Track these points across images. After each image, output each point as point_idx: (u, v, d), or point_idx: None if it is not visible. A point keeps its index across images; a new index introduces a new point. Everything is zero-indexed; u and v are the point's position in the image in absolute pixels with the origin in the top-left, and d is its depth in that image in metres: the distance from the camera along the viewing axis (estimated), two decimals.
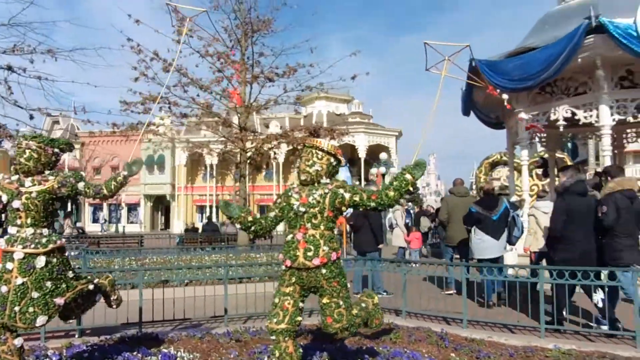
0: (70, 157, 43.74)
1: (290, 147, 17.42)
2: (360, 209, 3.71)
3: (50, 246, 3.63)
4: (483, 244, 7.80)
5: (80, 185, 3.82)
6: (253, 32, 14.78)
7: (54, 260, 3.66)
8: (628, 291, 5.55)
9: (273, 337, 3.49)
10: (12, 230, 3.66)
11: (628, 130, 12.11)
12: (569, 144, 50.62)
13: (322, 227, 3.49)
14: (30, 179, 3.73)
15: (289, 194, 3.63)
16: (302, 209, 3.48)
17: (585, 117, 9.47)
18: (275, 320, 3.47)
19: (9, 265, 3.55)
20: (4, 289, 3.50)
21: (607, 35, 8.43)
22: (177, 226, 41.43)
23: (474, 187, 28.13)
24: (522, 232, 8.18)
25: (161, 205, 46.63)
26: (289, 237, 3.55)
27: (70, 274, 3.77)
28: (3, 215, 3.99)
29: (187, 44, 14.08)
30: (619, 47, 8.35)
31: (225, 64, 14.50)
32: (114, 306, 4.23)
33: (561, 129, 10.15)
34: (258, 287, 7.53)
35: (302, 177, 3.61)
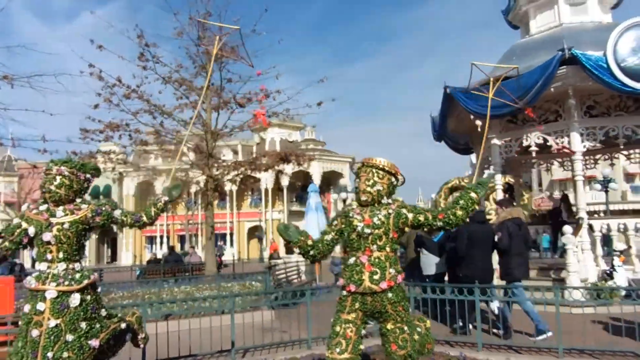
0: (5, 189, 41.32)
1: (243, 175, 17.06)
2: (425, 229, 3.61)
3: (85, 282, 3.30)
4: (428, 261, 8.51)
5: (117, 213, 3.52)
6: (217, 59, 14.59)
7: (88, 297, 3.33)
8: (522, 304, 6.66)
9: None
10: (42, 266, 3.30)
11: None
12: None
13: (387, 249, 3.38)
14: (61, 208, 3.39)
15: (350, 215, 3.49)
16: (368, 231, 3.35)
17: (557, 144, 9.87)
18: (337, 350, 3.29)
19: (41, 306, 3.18)
20: (35, 333, 3.13)
21: (579, 67, 8.87)
22: (125, 258, 39.70)
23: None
24: None
25: (107, 237, 44.63)
26: (351, 260, 3.40)
27: (103, 312, 3.44)
28: (28, 251, 3.60)
29: (152, 70, 13.75)
30: (591, 77, 8.80)
31: (188, 90, 14.24)
32: (141, 345, 3.87)
33: (533, 154, 10.52)
34: (246, 317, 7.23)
35: (363, 198, 3.48)
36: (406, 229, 3.50)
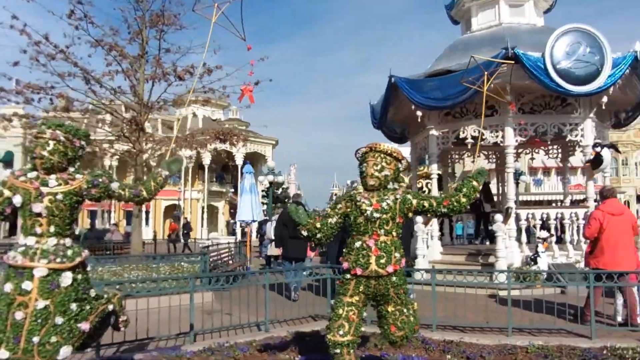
0: None
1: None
2: (428, 215, 3.68)
3: (77, 260, 3.03)
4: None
5: (114, 185, 3.24)
6: (152, 25, 13.87)
7: (79, 277, 3.06)
8: None
9: (337, 351, 3.32)
10: (29, 240, 2.96)
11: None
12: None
13: (393, 234, 3.42)
14: (54, 177, 3.05)
15: (357, 199, 3.48)
16: (377, 215, 3.37)
17: (492, 137, 10.45)
18: (340, 332, 3.31)
19: (27, 285, 2.87)
20: (19, 315, 2.82)
21: (519, 66, 9.41)
22: None
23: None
24: None
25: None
26: (357, 244, 3.41)
27: (92, 293, 3.19)
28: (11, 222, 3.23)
29: (85, 30, 12.83)
30: (529, 76, 9.40)
31: (119, 56, 13.43)
32: (122, 328, 3.61)
33: (469, 146, 11.09)
34: (183, 299, 6.99)
35: (371, 182, 3.49)
36: (409, 214, 3.57)
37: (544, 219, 10.36)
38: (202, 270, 9.56)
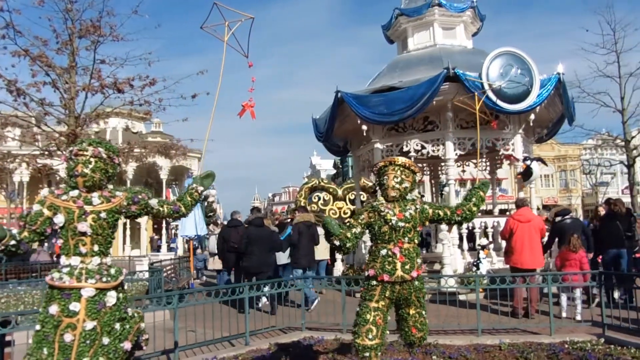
0: None
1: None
2: (443, 223, 3.97)
3: (120, 278, 3.00)
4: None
5: (153, 202, 3.23)
6: (82, 34, 13.35)
7: (121, 295, 3.04)
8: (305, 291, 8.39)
9: (366, 354, 3.50)
10: (73, 260, 2.91)
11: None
12: (350, 172, 56.16)
13: (415, 241, 3.67)
14: (96, 195, 3.01)
15: (381, 209, 3.69)
16: (401, 224, 3.60)
17: (434, 151, 11.10)
18: (369, 336, 3.51)
19: (75, 306, 2.83)
20: (69, 337, 2.79)
21: (459, 84, 10.12)
22: None
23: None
24: None
25: None
26: (383, 252, 3.62)
27: (130, 312, 3.15)
28: (56, 242, 3.09)
29: (11, 39, 12.12)
30: (468, 94, 10.10)
31: (46, 67, 12.80)
32: (144, 347, 3.55)
33: (412, 159, 11.65)
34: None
35: (393, 194, 3.73)
36: (426, 223, 3.86)
37: (483, 227, 11.11)
38: (157, 288, 9.30)
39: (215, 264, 12.99)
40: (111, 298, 2.95)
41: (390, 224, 3.67)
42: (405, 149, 11.35)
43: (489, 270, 10.25)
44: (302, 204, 22.02)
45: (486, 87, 9.89)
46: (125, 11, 13.35)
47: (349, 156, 27.01)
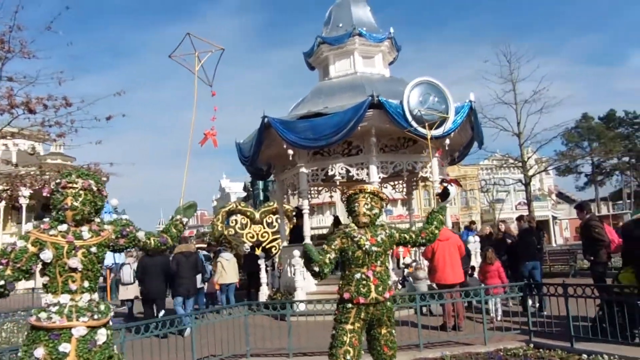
0: None
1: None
2: (409, 246, 4.18)
3: (111, 314, 2.85)
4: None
5: (141, 234, 3.12)
6: None
7: (109, 332, 2.89)
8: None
9: None
10: (63, 298, 2.72)
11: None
12: (261, 195, 55.94)
13: (386, 264, 3.84)
14: (86, 228, 2.84)
15: (353, 235, 3.82)
16: (375, 249, 3.76)
17: (358, 174, 11.48)
18: (347, 357, 3.65)
19: (65, 347, 2.67)
20: None
21: (382, 111, 10.62)
22: None
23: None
24: (210, 274, 12.87)
25: None
26: (358, 275, 3.75)
27: (115, 349, 2.99)
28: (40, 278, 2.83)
29: None
30: (391, 121, 10.63)
31: None
32: None
33: (338, 183, 11.99)
34: None
35: (364, 220, 3.89)
36: (393, 247, 4.06)
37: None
38: None
39: (128, 293, 12.45)
40: (102, 336, 2.83)
41: (363, 248, 3.84)
42: (330, 172, 11.65)
43: (414, 287, 10.74)
44: (219, 228, 21.73)
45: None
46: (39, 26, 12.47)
47: (268, 180, 27.04)
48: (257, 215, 21.82)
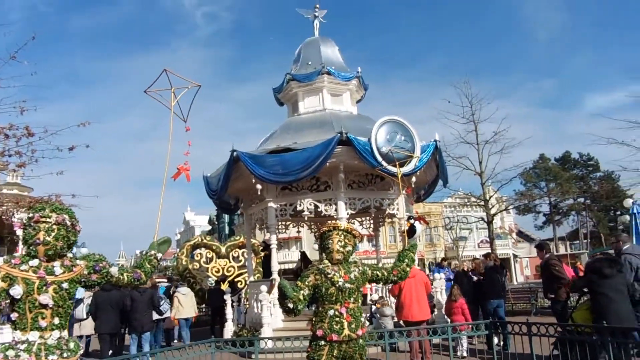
0: None
1: None
2: (381, 283, 4.20)
3: (80, 352, 2.76)
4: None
5: (114, 270, 3.06)
6: None
7: None
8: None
9: None
10: (32, 335, 2.63)
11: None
12: (227, 228, 55.22)
13: (359, 301, 3.84)
14: (58, 264, 2.77)
15: (327, 272, 3.83)
16: (348, 285, 3.77)
17: (327, 210, 11.54)
18: None
19: None
20: None
21: (351, 148, 10.80)
22: None
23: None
24: (167, 308, 12.53)
25: None
26: (331, 312, 3.73)
27: None
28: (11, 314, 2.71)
29: None
30: (360, 157, 10.79)
31: None
32: None
33: (306, 218, 12.00)
34: None
35: (338, 257, 3.90)
36: (366, 283, 4.08)
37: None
38: None
39: (83, 330, 11.99)
40: None
41: (337, 285, 3.85)
42: (299, 207, 11.66)
43: (381, 323, 10.72)
44: (184, 262, 21.30)
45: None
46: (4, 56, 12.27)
47: (238, 213, 26.69)
48: (223, 249, 21.53)
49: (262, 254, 16.00)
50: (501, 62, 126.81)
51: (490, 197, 24.54)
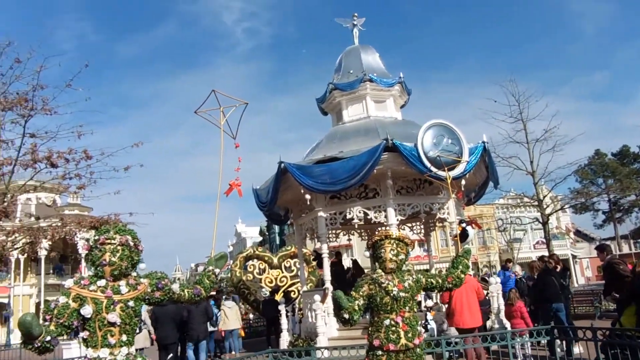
0: None
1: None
2: (435, 291, 4.19)
3: None
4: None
5: (175, 287, 3.21)
6: (5, 108, 12.89)
7: None
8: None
9: None
10: (102, 353, 2.80)
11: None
12: (277, 239, 55.81)
13: (414, 310, 3.85)
14: (123, 283, 2.94)
15: (381, 281, 3.86)
16: (403, 294, 3.78)
17: (376, 217, 11.51)
18: None
19: None
20: None
21: (397, 154, 10.75)
22: None
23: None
24: (217, 319, 13.42)
25: None
26: (387, 322, 3.75)
27: None
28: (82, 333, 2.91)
29: None
30: (407, 163, 10.74)
31: None
32: None
33: (356, 226, 12.02)
34: None
35: (391, 266, 3.93)
36: (420, 291, 4.09)
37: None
38: None
39: (136, 343, 12.47)
40: None
41: (391, 294, 3.86)
42: (348, 216, 11.69)
43: (436, 330, 10.57)
44: (237, 273, 21.69)
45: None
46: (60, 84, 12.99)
47: (288, 224, 26.99)
48: (275, 260, 21.79)
49: (315, 263, 16.12)
50: (543, 58, 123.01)
51: (544, 197, 23.73)
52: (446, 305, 9.34)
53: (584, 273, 55.91)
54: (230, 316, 13.72)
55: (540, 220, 23.63)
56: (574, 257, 52.99)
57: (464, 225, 11.53)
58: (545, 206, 23.42)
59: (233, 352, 13.88)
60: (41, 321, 2.87)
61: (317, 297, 11.08)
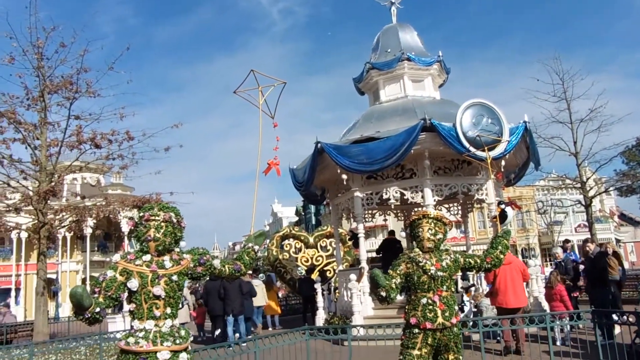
0: None
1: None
2: (474, 271, 4.18)
3: (190, 339, 3.03)
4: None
5: (216, 262, 3.31)
6: (53, 91, 13.31)
7: (189, 356, 3.07)
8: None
9: None
10: (148, 324, 2.93)
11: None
12: (313, 219, 56.14)
13: (452, 289, 3.86)
14: (167, 258, 3.07)
15: (418, 260, 3.88)
16: (440, 274, 3.79)
17: (413, 197, 11.44)
18: None
19: None
20: None
21: (435, 134, 10.62)
22: None
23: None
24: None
25: None
26: (424, 300, 3.78)
27: None
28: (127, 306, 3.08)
29: None
30: (445, 143, 10.60)
31: (14, 123, 12.66)
32: None
33: (392, 206, 11.98)
34: None
35: (429, 245, 3.94)
36: (458, 271, 4.09)
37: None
38: None
39: (179, 318, 12.93)
40: None
41: (429, 273, 3.87)
42: (384, 196, 11.66)
43: (472, 312, 10.50)
44: (274, 252, 21.99)
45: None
46: (103, 67, 13.35)
47: (324, 204, 27.09)
48: (311, 240, 21.96)
49: (351, 243, 16.19)
50: (588, 36, 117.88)
51: (587, 179, 23.00)
52: (489, 285, 9.32)
53: (628, 257, 54.19)
54: (257, 293, 13.69)
55: (583, 203, 22.97)
56: (618, 241, 51.38)
57: (502, 206, 11.34)
58: (588, 188, 22.73)
59: (266, 328, 14.26)
60: (90, 294, 3.01)
61: (353, 276, 11.16)
